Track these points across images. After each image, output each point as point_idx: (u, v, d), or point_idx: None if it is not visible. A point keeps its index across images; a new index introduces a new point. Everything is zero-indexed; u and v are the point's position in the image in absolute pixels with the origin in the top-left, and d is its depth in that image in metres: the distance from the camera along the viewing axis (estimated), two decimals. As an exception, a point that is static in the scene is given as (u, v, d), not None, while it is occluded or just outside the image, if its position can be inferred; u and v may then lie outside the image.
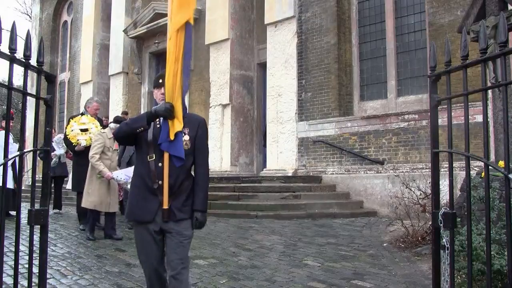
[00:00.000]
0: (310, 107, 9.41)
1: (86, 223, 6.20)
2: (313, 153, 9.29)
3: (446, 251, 2.26)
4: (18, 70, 17.55)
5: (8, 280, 3.77)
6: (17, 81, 17.57)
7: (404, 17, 8.88)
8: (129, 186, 3.34)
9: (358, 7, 9.51)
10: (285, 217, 7.44)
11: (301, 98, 9.56)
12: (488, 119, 5.15)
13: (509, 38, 2.48)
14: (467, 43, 2.15)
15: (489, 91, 5.06)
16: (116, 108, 13.98)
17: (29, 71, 2.08)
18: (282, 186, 8.59)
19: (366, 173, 8.47)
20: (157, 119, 2.67)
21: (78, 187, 6.62)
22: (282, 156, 9.67)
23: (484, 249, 2.72)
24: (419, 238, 5.39)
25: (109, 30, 14.91)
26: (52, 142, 6.37)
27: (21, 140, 2.08)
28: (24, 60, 1.99)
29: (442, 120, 5.73)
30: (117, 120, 6.31)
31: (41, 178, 2.63)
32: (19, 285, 2.22)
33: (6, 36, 1.77)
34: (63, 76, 17.41)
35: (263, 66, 10.93)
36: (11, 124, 4.35)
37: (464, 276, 3.60)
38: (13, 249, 4.25)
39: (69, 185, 7.73)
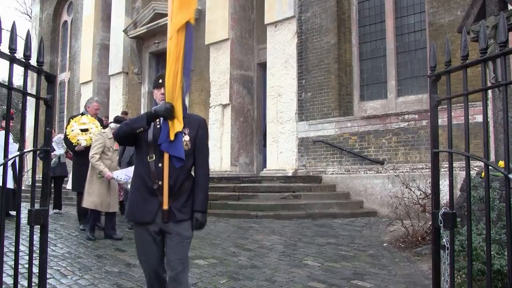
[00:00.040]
0: (310, 107, 9.41)
1: (86, 223, 6.20)
2: (313, 153, 9.29)
3: (446, 251, 2.26)
4: (18, 70, 17.55)
5: (8, 280, 3.77)
6: (17, 81, 17.57)
7: (404, 17, 8.88)
8: (129, 186, 3.33)
9: (358, 7, 9.51)
10: (285, 217, 7.44)
11: (301, 98, 9.56)
12: (488, 119, 5.15)
13: (509, 38, 2.48)
14: (467, 43, 2.15)
15: (489, 91, 5.06)
16: (116, 108, 13.98)
17: (29, 71, 2.08)
18: (282, 186, 8.59)
19: (366, 173, 8.47)
20: (157, 120, 2.66)
21: (78, 187, 6.62)
22: (282, 156, 9.67)
23: (484, 249, 2.72)
24: (419, 238, 5.39)
25: (109, 30, 14.91)
26: (52, 142, 6.37)
27: (21, 140, 2.08)
28: (24, 60, 1.98)
29: (442, 120, 5.73)
30: (117, 120, 6.30)
31: (41, 178, 2.63)
32: (19, 285, 2.22)
33: (6, 36, 1.77)
34: (63, 76, 17.41)
35: (263, 66, 10.94)
36: (11, 124, 4.35)
37: (464, 276, 3.60)
38: (13, 249, 4.26)
39: (69, 185, 7.73)
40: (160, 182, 2.59)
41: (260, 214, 7.59)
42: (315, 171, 9.17)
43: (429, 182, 3.45)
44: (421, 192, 6.19)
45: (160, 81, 2.74)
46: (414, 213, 5.71)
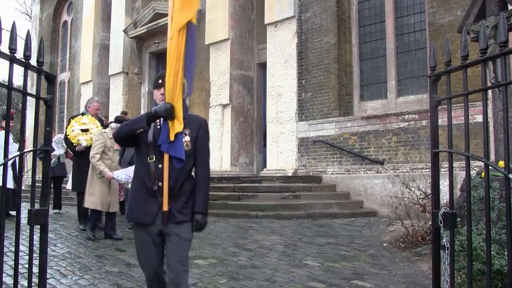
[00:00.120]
0: (310, 107, 9.42)
1: (87, 223, 6.20)
2: (313, 153, 9.29)
3: (446, 251, 2.26)
4: (18, 70, 17.56)
5: (8, 280, 3.77)
6: (17, 81, 17.58)
7: (404, 17, 8.88)
8: (130, 186, 3.32)
9: (358, 7, 9.51)
10: (285, 217, 7.44)
11: (301, 98, 9.56)
12: (488, 119, 5.16)
13: (509, 38, 2.48)
14: (467, 43, 2.15)
15: (489, 91, 5.06)
16: (116, 108, 13.99)
17: (29, 71, 2.08)
18: (282, 186, 8.59)
19: (366, 173, 8.47)
20: (157, 120, 2.64)
21: (78, 187, 6.61)
22: (282, 156, 9.67)
23: (484, 249, 2.72)
24: (419, 238, 5.39)
25: (109, 30, 14.91)
26: (52, 142, 6.37)
27: (21, 140, 2.08)
28: (24, 60, 1.98)
29: (442, 120, 5.73)
30: (118, 120, 6.30)
31: (41, 178, 2.63)
32: (19, 285, 2.22)
33: (6, 36, 1.77)
34: (63, 76, 17.41)
35: (263, 66, 10.94)
36: (11, 124, 4.34)
37: (464, 276, 3.60)
38: (13, 249, 4.26)
39: (69, 185, 7.72)
40: (160, 183, 2.56)
41: (260, 214, 7.59)
42: (315, 171, 9.17)
43: (429, 182, 3.45)
44: (421, 192, 6.19)
45: (160, 81, 2.72)
46: (414, 213, 5.71)
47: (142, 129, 2.60)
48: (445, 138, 5.44)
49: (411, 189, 6.21)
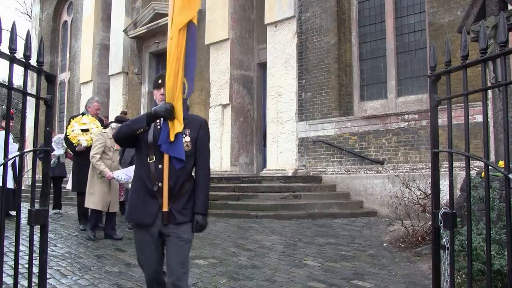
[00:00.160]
0: (310, 107, 9.42)
1: (88, 222, 6.20)
2: (313, 153, 9.29)
3: (446, 251, 2.26)
4: (18, 70, 17.56)
5: (8, 280, 3.77)
6: (17, 81, 17.59)
7: (404, 17, 8.88)
8: (130, 186, 3.32)
9: (358, 7, 9.51)
10: (285, 217, 7.44)
11: (301, 98, 9.56)
12: (488, 119, 5.15)
13: (509, 38, 2.48)
14: (467, 43, 2.15)
15: (489, 91, 5.06)
16: (116, 108, 13.99)
17: (29, 71, 2.08)
18: (282, 186, 8.59)
19: (366, 173, 8.47)
20: (158, 120, 2.63)
21: (78, 187, 6.62)
22: (282, 156, 9.67)
23: (484, 249, 2.71)
24: (419, 238, 5.39)
25: (109, 30, 14.91)
26: (52, 142, 6.37)
27: (21, 140, 2.08)
28: (24, 60, 1.98)
29: (442, 120, 5.73)
30: (118, 120, 6.30)
31: (41, 178, 2.63)
32: (19, 285, 2.22)
33: (6, 36, 1.77)
34: (63, 76, 17.41)
35: (263, 66, 10.94)
36: (11, 124, 4.35)
37: (464, 276, 3.60)
38: (13, 249, 4.26)
39: (69, 185, 7.72)
40: (160, 184, 2.55)
41: (260, 214, 7.59)
42: (315, 171, 9.17)
43: (429, 182, 3.45)
44: (421, 192, 6.19)
45: (160, 81, 2.71)
46: (414, 213, 5.71)
47: (142, 130, 2.59)
48: (445, 138, 5.45)
49: (411, 189, 6.21)
